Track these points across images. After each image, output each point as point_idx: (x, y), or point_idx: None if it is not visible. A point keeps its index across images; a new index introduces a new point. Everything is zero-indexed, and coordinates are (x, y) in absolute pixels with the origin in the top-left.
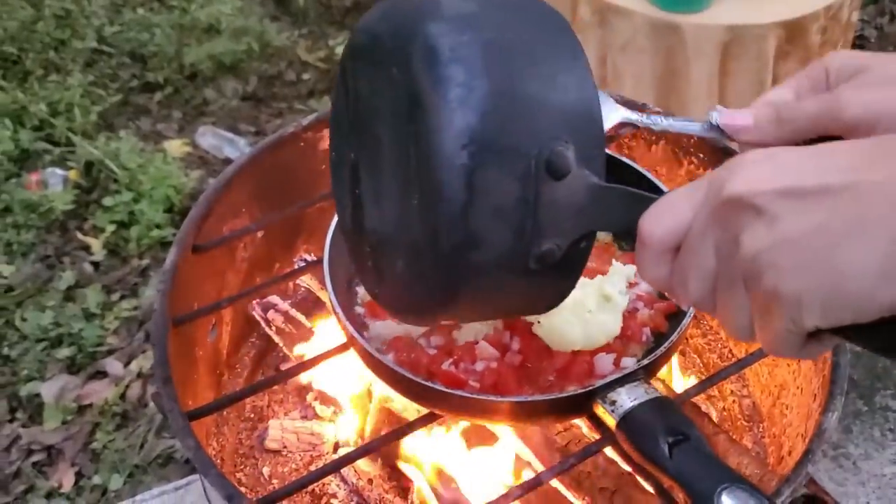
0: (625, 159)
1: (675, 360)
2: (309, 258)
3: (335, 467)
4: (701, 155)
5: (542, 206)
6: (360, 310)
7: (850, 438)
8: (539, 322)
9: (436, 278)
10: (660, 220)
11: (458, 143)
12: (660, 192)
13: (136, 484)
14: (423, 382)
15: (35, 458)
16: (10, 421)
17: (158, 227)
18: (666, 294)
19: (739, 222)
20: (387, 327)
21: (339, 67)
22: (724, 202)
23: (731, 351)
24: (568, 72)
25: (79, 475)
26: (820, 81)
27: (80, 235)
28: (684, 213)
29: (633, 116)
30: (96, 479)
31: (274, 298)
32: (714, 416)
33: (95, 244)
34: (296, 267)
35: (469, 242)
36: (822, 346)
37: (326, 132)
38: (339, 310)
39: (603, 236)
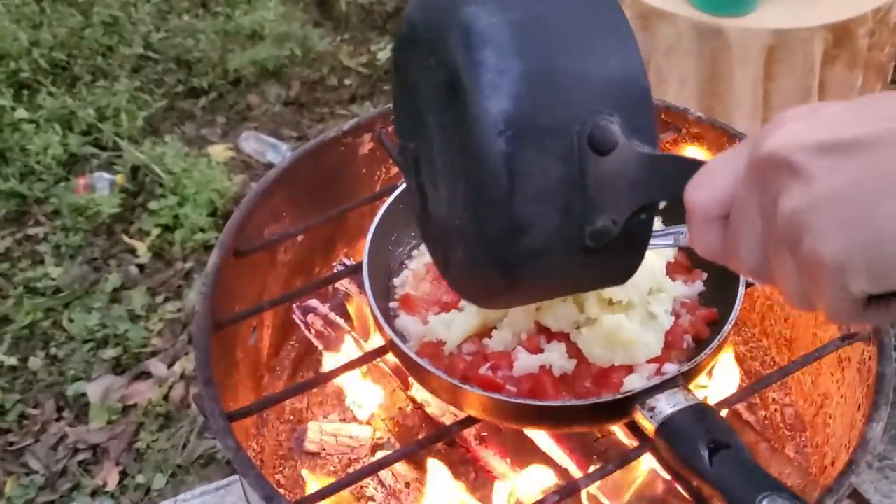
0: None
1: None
2: (348, 262)
3: (372, 470)
4: None
5: (590, 182)
6: (393, 304)
7: None
8: (578, 331)
9: (491, 265)
10: (702, 188)
11: (493, 129)
12: None
13: (179, 484)
14: (462, 386)
15: (81, 456)
16: (57, 420)
17: (202, 230)
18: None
19: (777, 182)
20: (415, 325)
21: (392, 59)
22: (760, 161)
23: (773, 359)
24: (607, 38)
25: (123, 474)
26: None
27: (126, 238)
28: (727, 178)
29: None
30: (140, 479)
31: (314, 302)
32: (755, 424)
33: (141, 247)
34: (335, 271)
35: (517, 228)
36: (889, 310)
37: (367, 137)
38: (378, 314)
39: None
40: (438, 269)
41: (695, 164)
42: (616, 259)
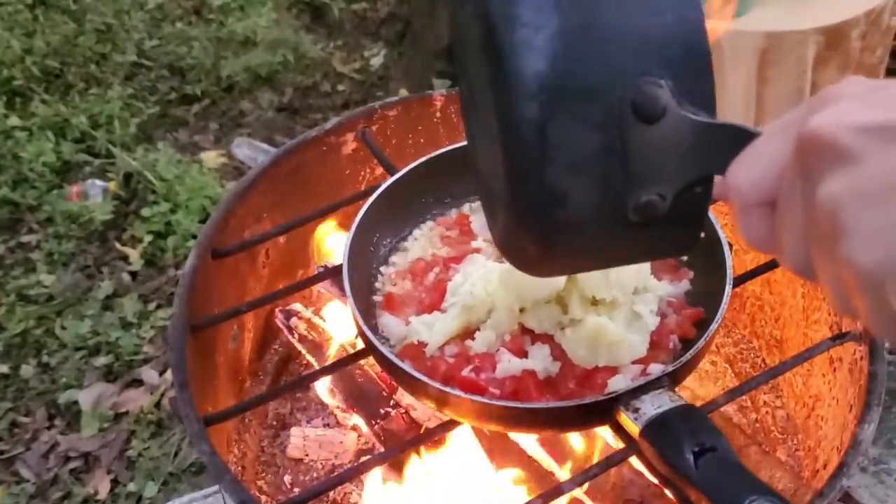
0: None
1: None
2: (330, 264)
3: (354, 474)
4: None
5: (633, 153)
6: (377, 298)
7: (893, 454)
8: (562, 331)
9: (526, 234)
10: (745, 169)
11: (525, 92)
12: None
13: (171, 492)
14: (443, 388)
15: (72, 464)
16: (49, 428)
17: (194, 237)
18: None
19: (820, 166)
20: (398, 325)
21: None
22: (804, 140)
23: (763, 360)
24: None
25: (114, 482)
26: None
27: (118, 245)
28: (773, 158)
29: None
30: (131, 487)
31: (297, 306)
32: (746, 427)
33: (133, 254)
34: (316, 272)
35: (550, 199)
36: None
37: (350, 136)
38: (358, 316)
39: None
40: (487, 221)
41: (755, 136)
42: (668, 234)
